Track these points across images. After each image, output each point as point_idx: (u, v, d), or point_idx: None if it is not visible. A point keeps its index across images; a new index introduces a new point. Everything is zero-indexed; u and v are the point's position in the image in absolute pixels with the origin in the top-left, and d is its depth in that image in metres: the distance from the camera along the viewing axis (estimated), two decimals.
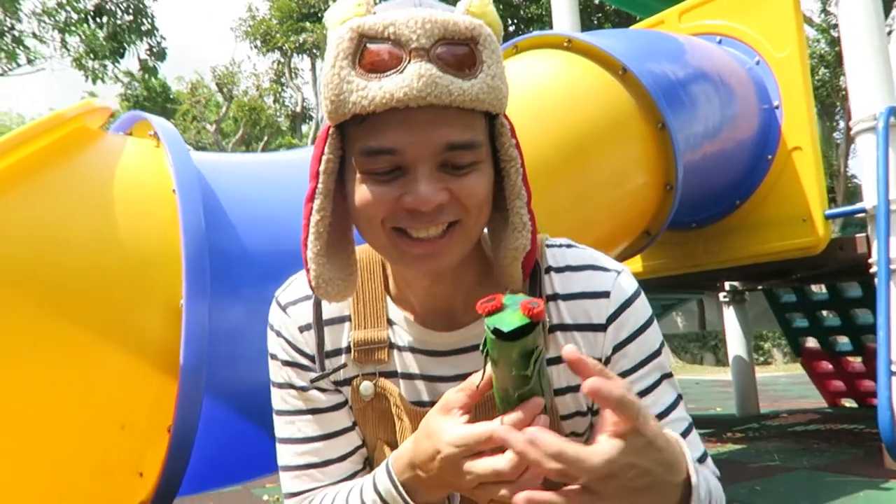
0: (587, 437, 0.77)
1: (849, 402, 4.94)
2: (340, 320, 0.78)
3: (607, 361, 0.75)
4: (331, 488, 0.77)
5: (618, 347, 0.74)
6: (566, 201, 2.18)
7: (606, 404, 0.53)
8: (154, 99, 21.52)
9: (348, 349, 0.77)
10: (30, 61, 10.42)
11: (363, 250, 0.79)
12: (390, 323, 0.77)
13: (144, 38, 9.38)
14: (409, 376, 0.76)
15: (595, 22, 12.90)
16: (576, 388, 0.74)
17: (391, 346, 0.76)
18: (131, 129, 1.72)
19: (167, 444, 1.29)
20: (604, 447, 0.53)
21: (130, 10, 9.07)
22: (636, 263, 3.68)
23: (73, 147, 1.44)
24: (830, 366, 4.81)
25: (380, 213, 0.66)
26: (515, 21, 15.13)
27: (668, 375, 0.76)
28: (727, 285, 5.00)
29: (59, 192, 1.34)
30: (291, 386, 0.78)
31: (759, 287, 4.95)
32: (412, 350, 0.76)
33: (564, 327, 0.75)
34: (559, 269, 0.78)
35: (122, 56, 9.68)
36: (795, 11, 3.11)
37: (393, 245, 0.68)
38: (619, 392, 0.52)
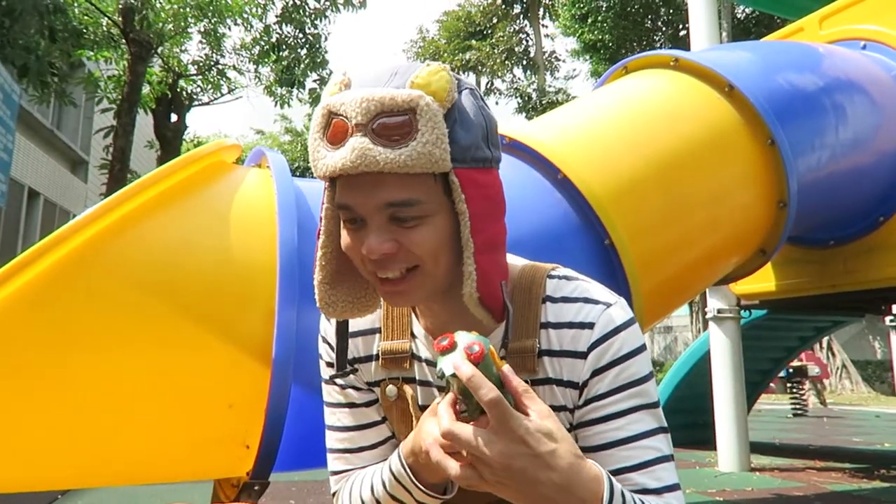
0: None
1: None
2: (373, 332, 0.92)
3: (584, 385, 0.81)
4: (363, 470, 0.93)
5: (596, 373, 0.80)
6: (657, 218, 2.21)
7: (480, 402, 0.64)
8: None
9: (377, 356, 0.91)
10: (230, 90, 11.77)
11: None
12: (413, 336, 0.90)
13: (315, 70, 10.27)
14: (425, 383, 0.89)
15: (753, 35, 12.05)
16: (557, 409, 0.82)
17: (412, 356, 0.89)
18: (260, 161, 2.06)
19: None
20: (476, 432, 0.64)
21: (306, 45, 10.04)
22: (769, 282, 3.52)
23: (206, 178, 1.79)
24: None
25: (355, 255, 0.79)
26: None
27: (650, 406, 0.79)
28: (895, 308, 4.53)
29: (189, 214, 1.69)
30: (333, 383, 0.94)
31: None
32: (428, 362, 0.89)
33: (551, 353, 0.82)
34: (554, 300, 0.84)
35: (300, 86, 10.71)
36: None
37: (372, 280, 0.80)
38: (491, 396, 0.63)
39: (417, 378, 0.89)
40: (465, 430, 0.65)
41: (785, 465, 4.04)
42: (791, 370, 8.15)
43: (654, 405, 0.80)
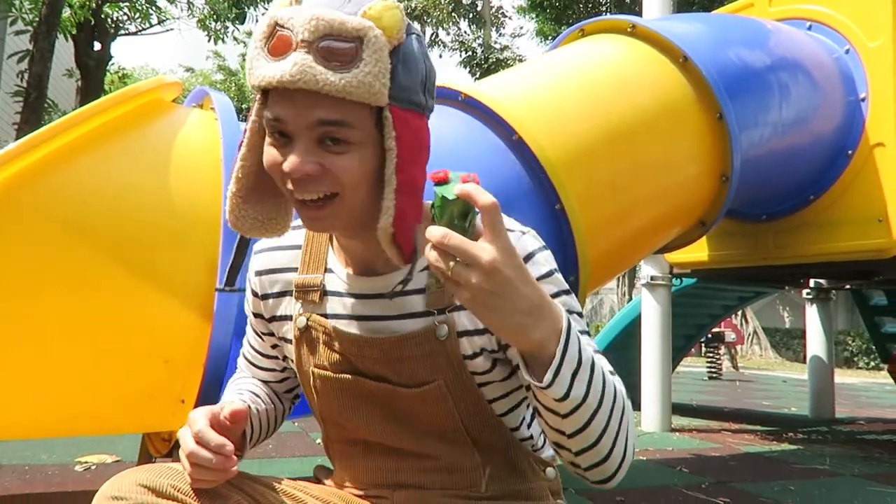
0: (490, 372, 0.86)
1: None
2: (292, 269, 0.95)
3: None
4: (249, 380, 1.02)
5: None
6: (607, 185, 2.22)
7: (480, 208, 0.64)
8: None
9: (291, 292, 0.95)
10: (160, 21, 11.10)
11: None
12: (328, 270, 0.92)
13: (261, 5, 9.84)
14: (335, 315, 0.91)
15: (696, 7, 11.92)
16: (479, 332, 0.83)
17: (324, 289, 0.92)
18: (201, 102, 1.94)
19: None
20: (468, 240, 0.65)
21: None
22: (702, 252, 3.63)
23: (145, 117, 1.66)
24: None
25: (276, 173, 0.78)
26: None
27: (574, 313, 0.81)
28: (812, 282, 4.79)
29: (126, 154, 1.57)
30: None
31: (847, 286, 4.71)
32: (339, 293, 0.91)
33: None
34: None
35: (242, 20, 10.23)
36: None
37: (292, 202, 0.81)
38: (491, 200, 0.63)
39: (329, 310, 0.91)
40: (459, 236, 0.65)
41: (702, 426, 4.26)
42: (710, 336, 8.57)
43: (578, 314, 0.82)
